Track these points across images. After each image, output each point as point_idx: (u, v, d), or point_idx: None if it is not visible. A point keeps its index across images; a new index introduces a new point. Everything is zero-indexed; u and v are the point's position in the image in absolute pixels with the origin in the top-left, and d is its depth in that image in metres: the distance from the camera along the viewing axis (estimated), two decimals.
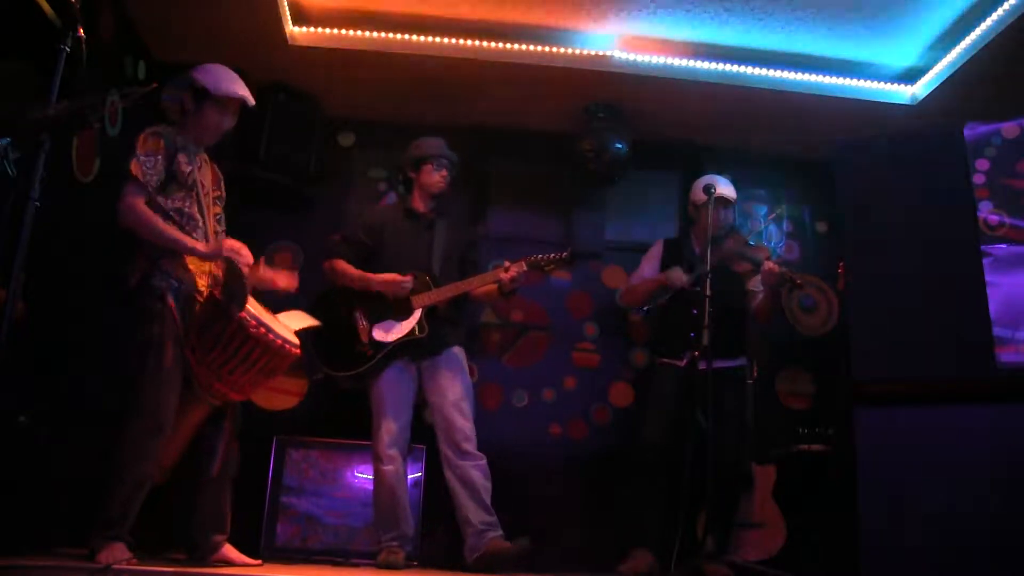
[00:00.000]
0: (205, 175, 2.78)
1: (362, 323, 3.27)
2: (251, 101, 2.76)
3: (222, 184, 2.89)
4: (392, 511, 3.17)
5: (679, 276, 3.49)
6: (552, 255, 3.30)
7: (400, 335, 3.23)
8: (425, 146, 3.47)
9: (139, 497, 2.44)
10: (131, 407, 2.48)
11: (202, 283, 2.63)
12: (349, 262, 3.37)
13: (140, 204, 2.53)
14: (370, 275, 3.29)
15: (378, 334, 3.24)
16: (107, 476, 2.43)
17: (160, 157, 2.57)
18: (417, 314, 3.25)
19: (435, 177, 3.43)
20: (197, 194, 2.70)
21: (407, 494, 3.25)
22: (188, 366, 2.54)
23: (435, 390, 3.25)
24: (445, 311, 3.34)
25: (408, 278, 3.25)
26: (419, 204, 3.47)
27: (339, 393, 3.58)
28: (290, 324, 2.72)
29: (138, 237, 2.56)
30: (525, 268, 3.26)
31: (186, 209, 2.65)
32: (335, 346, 3.26)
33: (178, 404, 2.53)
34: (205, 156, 2.81)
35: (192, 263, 2.63)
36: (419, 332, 3.23)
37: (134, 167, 2.53)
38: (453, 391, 3.22)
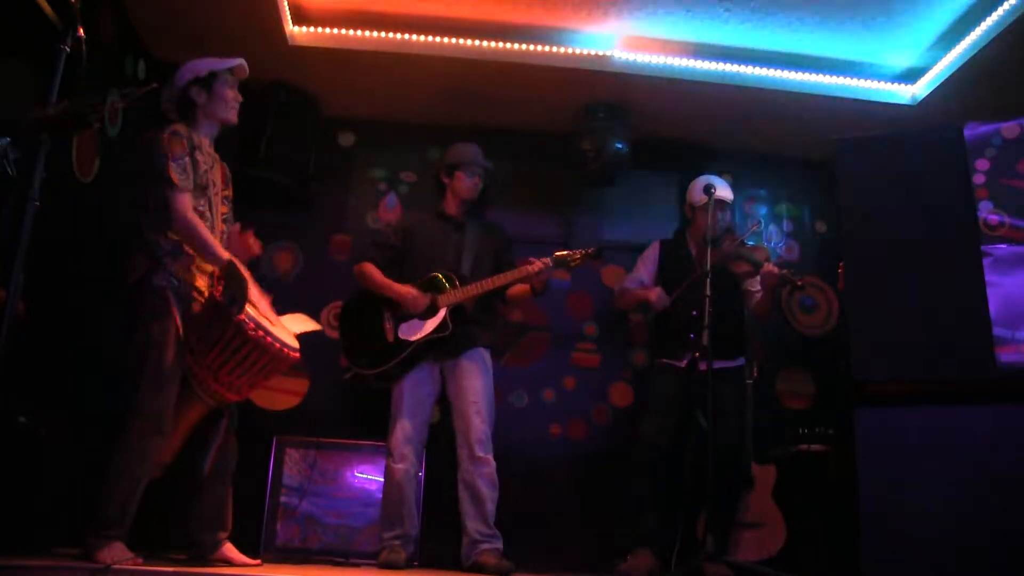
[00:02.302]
0: (216, 173, 2.79)
1: (388, 323, 3.29)
2: (246, 68, 2.83)
3: (230, 183, 2.90)
4: (399, 510, 3.17)
5: (657, 295, 3.55)
6: (579, 251, 3.31)
7: (424, 334, 3.24)
8: (460, 152, 3.50)
9: (137, 496, 2.45)
10: (131, 406, 2.49)
11: (201, 283, 2.64)
12: (378, 264, 3.39)
13: (191, 211, 2.57)
14: (390, 283, 3.31)
15: (403, 333, 3.26)
16: (106, 475, 2.44)
17: (188, 158, 2.60)
18: (442, 313, 3.25)
19: (467, 184, 3.46)
20: (209, 193, 2.71)
21: (415, 494, 3.25)
22: (187, 365, 2.54)
23: (456, 391, 3.26)
24: (473, 312, 3.34)
25: (424, 298, 3.26)
26: (451, 208, 3.50)
27: (346, 393, 3.58)
28: (291, 327, 2.73)
29: (161, 238, 2.59)
30: (551, 264, 3.26)
31: (199, 208, 2.66)
32: (363, 345, 3.29)
33: (176, 403, 2.54)
34: (216, 155, 2.82)
35: (193, 263, 2.63)
36: (443, 331, 3.24)
37: (173, 173, 2.55)
38: (474, 392, 3.22)
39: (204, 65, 2.74)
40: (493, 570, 2.98)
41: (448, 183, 3.51)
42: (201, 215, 2.64)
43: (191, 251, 2.62)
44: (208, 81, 2.73)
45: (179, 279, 2.58)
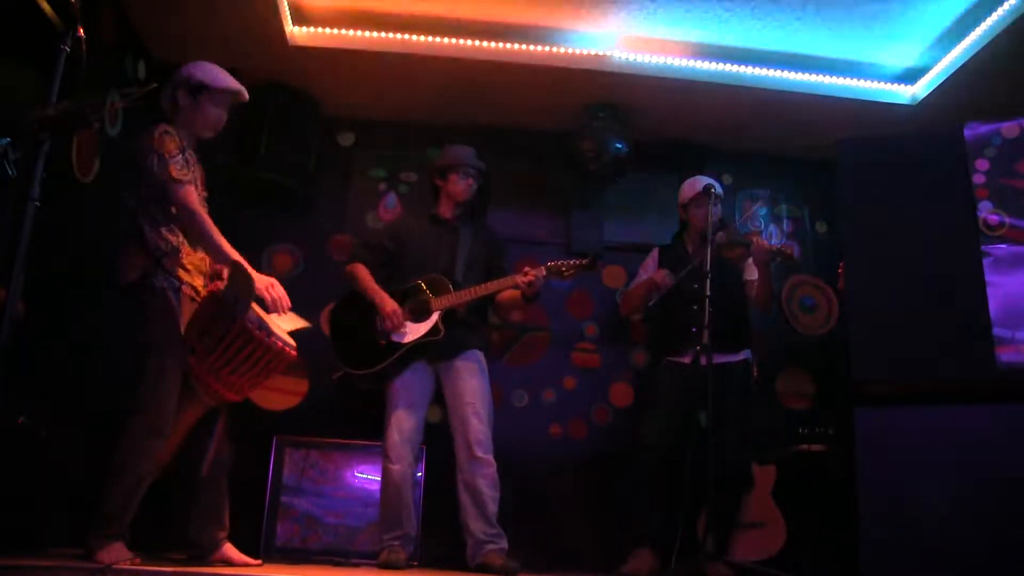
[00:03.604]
0: (198, 174, 2.78)
1: (380, 324, 3.28)
2: (245, 95, 2.79)
3: (205, 186, 2.86)
4: (397, 510, 3.17)
5: (662, 275, 3.54)
6: (574, 261, 3.30)
7: (416, 336, 3.24)
8: (452, 155, 3.49)
9: (137, 495, 2.45)
10: (132, 406, 2.49)
11: (199, 283, 2.64)
12: (369, 266, 3.39)
13: (198, 204, 2.58)
14: (380, 292, 3.28)
15: (395, 335, 3.25)
16: (106, 475, 2.44)
17: (182, 155, 2.60)
18: (435, 317, 3.25)
19: (461, 186, 3.46)
20: (199, 193, 2.70)
21: (412, 494, 3.25)
22: (187, 366, 2.54)
23: (452, 392, 3.26)
24: (465, 315, 3.35)
25: (404, 320, 3.23)
26: (444, 211, 3.50)
27: (346, 393, 3.59)
28: (283, 325, 2.73)
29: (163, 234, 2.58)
30: (544, 274, 3.26)
31: None
32: (354, 346, 3.29)
33: (176, 403, 2.54)
34: (195, 156, 2.80)
35: (190, 263, 2.63)
36: (436, 334, 3.24)
37: (174, 171, 2.55)
38: (470, 393, 3.22)
39: (206, 73, 2.70)
40: (499, 570, 2.98)
41: (442, 186, 3.50)
42: None
43: (188, 250, 2.62)
44: (196, 91, 2.68)
45: (179, 279, 2.58)
